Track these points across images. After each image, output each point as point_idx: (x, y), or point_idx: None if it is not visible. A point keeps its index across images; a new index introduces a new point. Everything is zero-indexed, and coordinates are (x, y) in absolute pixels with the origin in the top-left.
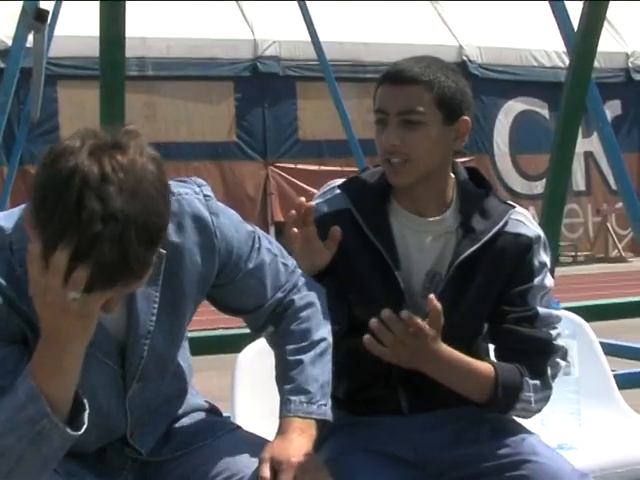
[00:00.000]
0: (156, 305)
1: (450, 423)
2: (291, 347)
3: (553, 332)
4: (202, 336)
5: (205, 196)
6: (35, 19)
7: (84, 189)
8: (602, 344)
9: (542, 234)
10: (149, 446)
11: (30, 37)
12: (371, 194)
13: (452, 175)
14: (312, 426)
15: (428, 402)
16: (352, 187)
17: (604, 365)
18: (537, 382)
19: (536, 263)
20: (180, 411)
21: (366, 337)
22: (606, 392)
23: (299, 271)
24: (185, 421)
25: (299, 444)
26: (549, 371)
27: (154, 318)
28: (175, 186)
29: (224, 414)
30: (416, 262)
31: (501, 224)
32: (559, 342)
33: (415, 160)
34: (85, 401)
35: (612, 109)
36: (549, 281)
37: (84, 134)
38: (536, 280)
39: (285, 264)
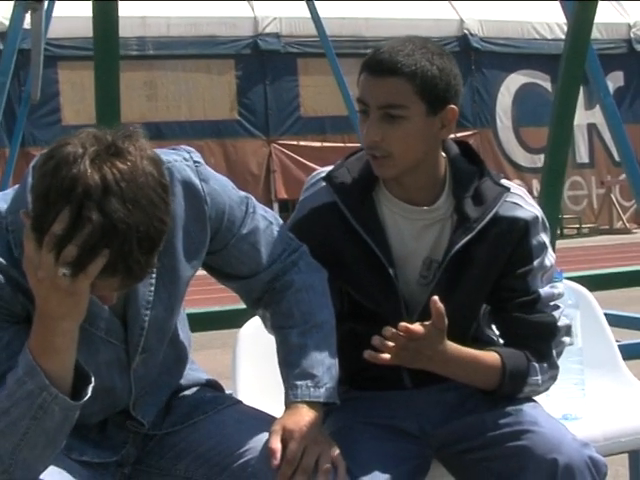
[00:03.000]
0: (154, 275)
1: (451, 394)
2: (294, 330)
3: (556, 313)
4: (202, 312)
5: (195, 162)
6: None
7: (85, 201)
8: (606, 315)
9: (539, 213)
10: (151, 417)
11: (28, 17)
12: (357, 184)
13: (443, 154)
14: (320, 408)
15: (431, 376)
16: (337, 178)
17: (608, 335)
18: (544, 364)
19: (534, 244)
20: (181, 384)
21: (367, 353)
22: (610, 362)
23: (303, 250)
24: (186, 394)
25: (309, 417)
26: (554, 351)
27: (152, 288)
28: (165, 154)
29: (227, 391)
30: (412, 250)
31: (495, 209)
32: (562, 322)
33: (397, 155)
34: (90, 373)
35: (614, 80)
36: (549, 260)
37: (85, 139)
38: (536, 262)
39: (280, 232)
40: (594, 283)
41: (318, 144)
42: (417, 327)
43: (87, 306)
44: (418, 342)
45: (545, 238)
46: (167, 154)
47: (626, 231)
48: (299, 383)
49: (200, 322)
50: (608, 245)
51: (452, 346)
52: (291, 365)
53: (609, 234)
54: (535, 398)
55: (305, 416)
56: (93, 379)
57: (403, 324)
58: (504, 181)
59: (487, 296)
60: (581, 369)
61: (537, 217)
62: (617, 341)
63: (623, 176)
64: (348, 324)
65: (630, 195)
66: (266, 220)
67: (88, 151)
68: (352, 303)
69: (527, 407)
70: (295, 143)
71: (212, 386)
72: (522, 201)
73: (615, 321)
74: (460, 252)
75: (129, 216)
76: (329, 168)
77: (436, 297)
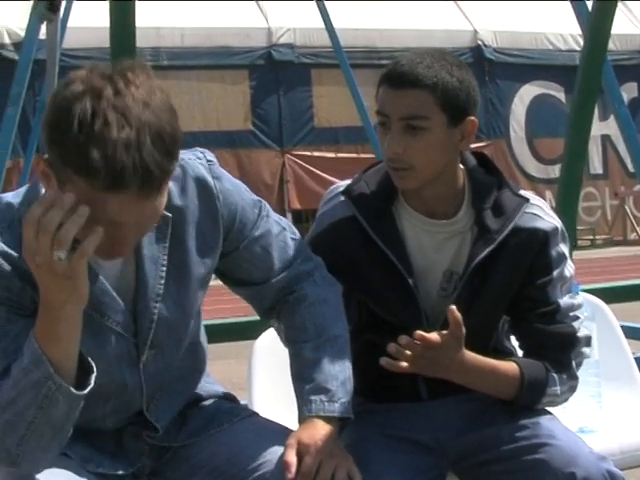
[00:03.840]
0: (164, 269)
1: (468, 406)
2: (308, 344)
3: (576, 323)
4: (218, 323)
5: (208, 161)
6: (47, 9)
7: (98, 100)
8: (622, 327)
9: (559, 224)
10: (165, 422)
11: (43, 28)
12: (376, 197)
13: (461, 166)
14: (335, 422)
15: (448, 387)
16: (355, 192)
17: (624, 347)
18: (563, 375)
19: (554, 254)
20: (196, 396)
21: (383, 360)
22: (627, 374)
23: (317, 261)
24: (202, 405)
25: (325, 431)
26: (574, 362)
27: (163, 281)
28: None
29: (242, 402)
30: (433, 262)
31: (515, 220)
32: (582, 332)
33: (419, 167)
34: (92, 362)
35: (628, 91)
36: (569, 270)
37: (92, 66)
38: (555, 272)
39: (294, 239)
40: (610, 295)
41: (332, 155)
42: (434, 335)
43: (88, 291)
44: (435, 351)
45: (565, 249)
46: (181, 153)
47: None
48: (313, 398)
49: (216, 333)
50: (622, 256)
51: (470, 355)
52: (305, 380)
53: (623, 245)
54: (552, 410)
55: (321, 430)
56: (95, 367)
57: (419, 332)
58: (523, 192)
59: (507, 307)
60: (598, 382)
61: (557, 228)
62: (633, 353)
63: (637, 187)
64: (366, 336)
65: None
66: (279, 226)
67: (97, 69)
68: (370, 315)
69: (544, 420)
70: (309, 154)
71: (228, 399)
72: (541, 212)
73: (631, 333)
74: (481, 264)
75: (141, 114)
76: (347, 182)
77: (453, 306)
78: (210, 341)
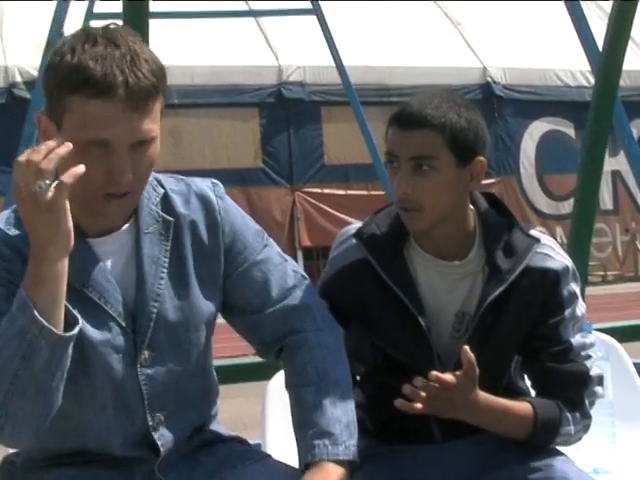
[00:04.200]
0: (165, 270)
1: (481, 448)
2: (309, 388)
3: (588, 362)
4: (229, 364)
5: (213, 183)
6: None
7: (89, 36)
8: (636, 365)
9: (570, 263)
10: (169, 445)
11: None
12: (387, 240)
13: (471, 207)
14: (345, 465)
15: (461, 429)
16: (367, 234)
17: (638, 387)
18: (576, 414)
19: (565, 294)
20: (207, 439)
21: (398, 402)
22: None
23: (320, 304)
24: (213, 450)
25: (335, 474)
26: (587, 401)
27: (162, 282)
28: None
29: (254, 441)
30: (445, 303)
31: (526, 261)
32: (595, 371)
33: (428, 207)
34: (77, 314)
35: (638, 128)
36: (580, 310)
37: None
38: (567, 312)
39: (294, 270)
40: (624, 334)
41: (342, 192)
42: (449, 376)
43: (72, 234)
44: (450, 392)
45: (576, 288)
46: (191, 180)
47: None
48: (317, 442)
49: (227, 374)
50: (634, 292)
51: (483, 396)
52: (307, 424)
53: (634, 281)
54: (565, 450)
55: (332, 473)
56: (93, 356)
57: (434, 373)
58: (533, 232)
59: (519, 347)
60: (612, 422)
61: (567, 267)
62: None
63: None
64: (380, 378)
65: None
66: (281, 257)
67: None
68: (384, 357)
69: (557, 462)
70: (319, 191)
71: (239, 442)
72: (552, 252)
73: None
74: (492, 304)
75: (131, 43)
76: (358, 224)
77: (466, 347)
78: (222, 382)
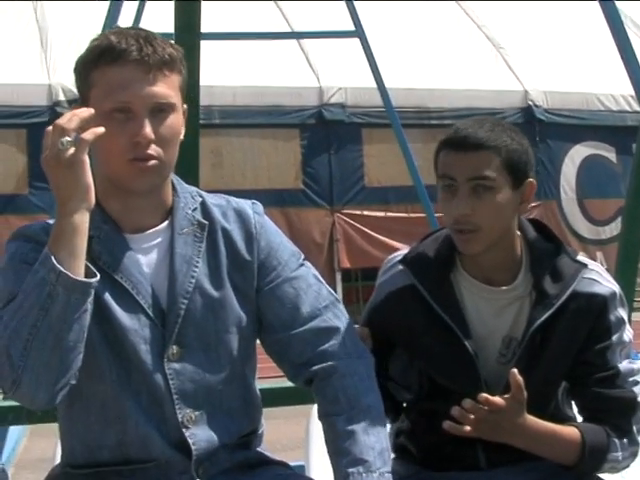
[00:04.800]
0: (196, 270)
1: (526, 475)
2: (341, 417)
3: (636, 388)
4: (273, 387)
5: (253, 202)
6: None
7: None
8: None
9: (617, 289)
10: (201, 445)
11: None
12: (434, 266)
13: (518, 233)
14: None
15: (507, 457)
16: (414, 261)
17: None
18: (624, 440)
19: (613, 319)
20: (251, 461)
21: (446, 424)
22: None
23: (353, 330)
24: (257, 471)
25: None
26: (635, 428)
27: (193, 281)
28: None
29: (296, 462)
30: (491, 328)
31: (574, 286)
32: None
33: (486, 228)
34: (93, 269)
35: None
36: (628, 335)
37: None
38: (614, 337)
39: (331, 293)
40: None
41: (382, 214)
42: (497, 399)
43: (91, 190)
44: (498, 414)
45: (623, 313)
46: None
47: None
48: (351, 470)
49: (270, 397)
50: None
51: (531, 419)
52: (341, 453)
53: None
54: (611, 478)
55: None
56: (99, 276)
57: (483, 395)
58: (580, 257)
59: (566, 373)
60: None
61: (615, 293)
62: None
63: None
64: (426, 403)
65: None
66: (317, 279)
67: None
68: (431, 384)
69: None
70: (359, 213)
71: (282, 465)
72: (600, 277)
73: None
74: (539, 329)
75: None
76: (405, 251)
77: (515, 370)
78: (267, 405)
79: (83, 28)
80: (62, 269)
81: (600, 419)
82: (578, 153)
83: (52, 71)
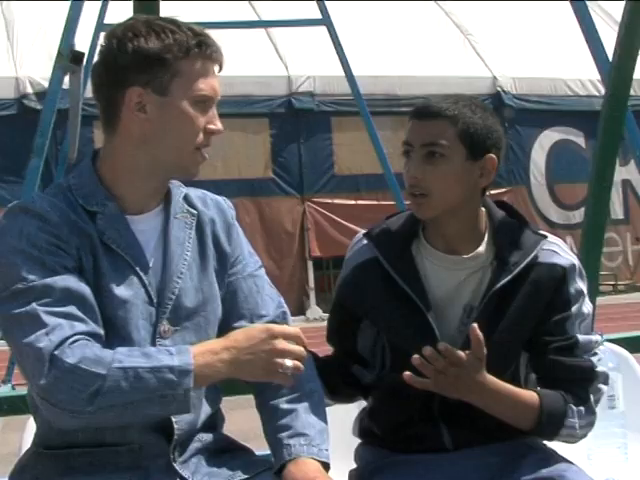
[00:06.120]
0: (188, 253)
1: (492, 459)
2: (282, 399)
3: (594, 358)
4: None
5: (223, 199)
6: (71, 61)
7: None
8: None
9: (577, 262)
10: (182, 427)
11: (66, 79)
12: (397, 238)
13: (483, 209)
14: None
15: (472, 437)
16: (377, 235)
17: None
18: (581, 408)
19: (572, 291)
20: (219, 441)
21: (406, 374)
22: None
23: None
24: (225, 456)
25: (315, 466)
26: (592, 397)
27: (185, 263)
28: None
29: (264, 452)
30: (453, 298)
31: (533, 254)
32: (600, 368)
33: (436, 194)
34: (113, 273)
35: None
36: (587, 308)
37: None
38: (574, 308)
39: (277, 294)
40: (636, 344)
41: (352, 202)
42: (458, 351)
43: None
44: (458, 369)
45: (582, 286)
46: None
47: None
48: (292, 442)
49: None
50: None
51: (491, 378)
52: (281, 429)
53: None
54: (577, 461)
55: (310, 466)
56: (120, 311)
57: (443, 344)
58: (542, 231)
59: (525, 343)
60: (624, 432)
61: (574, 265)
62: None
63: None
64: (389, 383)
65: None
66: (269, 283)
67: None
68: (394, 360)
69: (570, 472)
70: (329, 201)
71: (246, 450)
72: (559, 249)
73: None
74: (498, 295)
75: None
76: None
77: (475, 325)
78: (233, 393)
79: (50, 20)
80: (190, 400)
81: (558, 387)
82: (547, 138)
83: (19, 64)
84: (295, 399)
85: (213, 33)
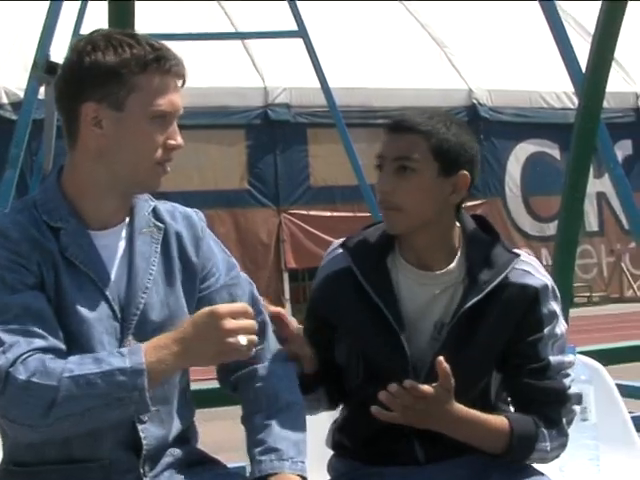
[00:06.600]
0: (154, 267)
1: (465, 471)
2: (259, 414)
3: (566, 380)
4: (211, 388)
5: (195, 211)
6: (46, 72)
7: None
8: (619, 386)
9: (550, 282)
10: (151, 442)
11: (42, 89)
12: (372, 250)
13: (458, 225)
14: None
15: (444, 451)
16: (353, 244)
17: (622, 410)
18: (553, 431)
19: (545, 312)
20: (192, 454)
21: (374, 408)
22: (625, 437)
23: (274, 339)
24: (197, 469)
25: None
26: (564, 419)
27: (151, 278)
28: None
29: (236, 464)
30: (425, 313)
31: (504, 274)
32: (573, 390)
33: (406, 209)
34: (76, 291)
35: (623, 149)
36: (560, 329)
37: None
38: (546, 330)
39: (259, 299)
40: (608, 357)
41: (328, 214)
42: (423, 387)
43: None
44: (426, 402)
45: (556, 307)
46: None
47: (637, 299)
48: (263, 458)
49: (209, 398)
50: (619, 314)
51: (460, 407)
52: (255, 444)
53: (620, 302)
54: (549, 473)
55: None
56: (82, 328)
57: (409, 382)
58: (516, 250)
59: (497, 363)
60: (596, 444)
61: (547, 285)
62: (631, 412)
63: (633, 244)
64: (359, 396)
65: None
66: (250, 285)
67: None
68: (366, 372)
69: None
70: (305, 213)
71: (217, 464)
72: (533, 269)
73: (629, 392)
74: (469, 314)
75: None
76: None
77: (441, 357)
78: (204, 405)
79: (26, 30)
80: (148, 399)
81: (530, 410)
82: (522, 151)
83: None
84: (272, 413)
85: (189, 45)
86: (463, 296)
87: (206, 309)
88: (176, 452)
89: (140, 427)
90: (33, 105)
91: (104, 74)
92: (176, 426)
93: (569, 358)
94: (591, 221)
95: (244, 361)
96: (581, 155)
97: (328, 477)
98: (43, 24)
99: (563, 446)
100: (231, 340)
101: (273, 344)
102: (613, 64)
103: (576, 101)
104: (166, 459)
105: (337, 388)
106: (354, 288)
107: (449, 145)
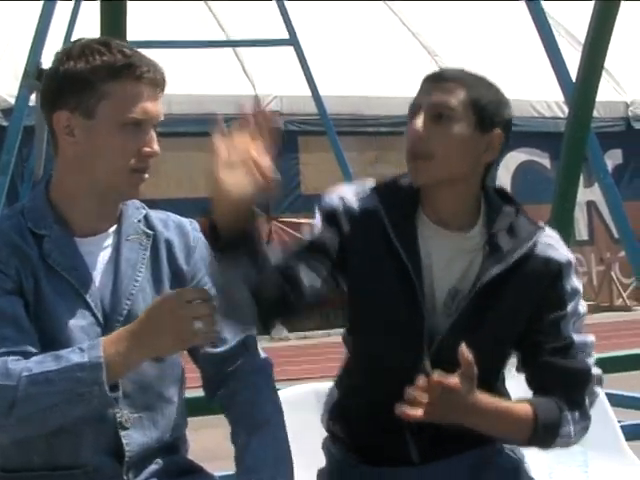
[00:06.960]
0: (140, 274)
1: (460, 471)
2: (241, 433)
3: (589, 360)
4: (199, 396)
5: (190, 220)
6: (37, 79)
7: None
8: (608, 395)
9: (573, 259)
10: (134, 448)
11: (33, 96)
12: (402, 198)
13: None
14: None
15: (439, 451)
16: (385, 188)
17: (611, 417)
18: (576, 413)
19: (568, 289)
20: (180, 463)
21: (398, 409)
22: (613, 444)
23: (256, 346)
24: (182, 479)
25: None
26: (587, 400)
27: (137, 285)
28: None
29: (224, 473)
30: (439, 278)
31: (530, 243)
32: (595, 370)
33: (438, 157)
34: (58, 298)
35: (613, 158)
36: (582, 307)
37: None
38: (569, 307)
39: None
40: (598, 365)
41: None
42: (452, 380)
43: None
44: (450, 394)
45: (578, 284)
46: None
47: (626, 308)
48: None
49: (199, 406)
50: (608, 322)
51: (483, 397)
52: (238, 465)
53: (609, 311)
54: (539, 479)
55: None
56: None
57: (437, 377)
58: (539, 223)
59: (517, 342)
60: (584, 451)
61: (570, 261)
62: (619, 421)
63: (622, 253)
64: (351, 380)
65: (630, 272)
66: None
67: None
68: (360, 357)
69: None
70: (295, 220)
71: (203, 473)
72: (556, 243)
73: (618, 401)
74: (489, 284)
75: None
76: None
77: (464, 346)
78: (194, 414)
79: (17, 37)
80: (109, 395)
81: (552, 391)
82: (512, 160)
83: None
84: (251, 432)
85: (178, 52)
86: (483, 264)
87: (158, 298)
88: (162, 460)
89: (122, 433)
90: (24, 112)
91: (76, 82)
92: (163, 434)
93: (591, 338)
94: (581, 230)
95: (224, 376)
96: (571, 164)
97: (322, 464)
98: (35, 29)
99: (586, 429)
100: (186, 326)
101: (253, 354)
102: (603, 73)
103: (566, 110)
104: (152, 467)
105: (298, 292)
106: (379, 233)
107: (488, 100)
